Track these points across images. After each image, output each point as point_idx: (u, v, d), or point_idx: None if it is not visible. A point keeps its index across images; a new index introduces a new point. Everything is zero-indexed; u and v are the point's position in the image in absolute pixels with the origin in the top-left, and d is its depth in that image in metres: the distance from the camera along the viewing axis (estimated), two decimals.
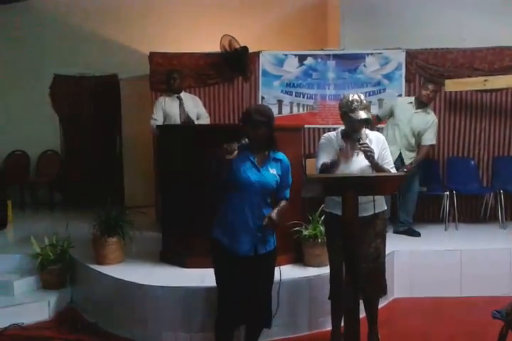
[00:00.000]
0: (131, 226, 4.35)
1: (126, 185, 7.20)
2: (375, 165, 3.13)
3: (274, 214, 2.91)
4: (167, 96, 5.41)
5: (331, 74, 5.97)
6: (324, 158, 3.24)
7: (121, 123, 7.32)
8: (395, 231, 5.22)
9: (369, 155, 3.08)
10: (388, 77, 5.78)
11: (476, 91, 5.77)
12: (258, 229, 2.91)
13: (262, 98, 5.96)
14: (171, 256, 4.25)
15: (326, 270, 3.79)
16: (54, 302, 4.26)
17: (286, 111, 5.98)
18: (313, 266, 4.07)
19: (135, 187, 7.08)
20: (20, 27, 7.35)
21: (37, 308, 4.17)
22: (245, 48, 5.84)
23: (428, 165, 5.68)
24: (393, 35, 6.18)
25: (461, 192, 5.55)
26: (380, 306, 3.50)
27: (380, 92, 5.84)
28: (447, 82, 5.67)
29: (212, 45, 5.88)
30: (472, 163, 5.85)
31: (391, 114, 5.20)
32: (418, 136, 5.14)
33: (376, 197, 3.19)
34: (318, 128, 5.93)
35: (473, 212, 5.88)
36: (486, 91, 5.76)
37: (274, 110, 5.92)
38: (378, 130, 4.46)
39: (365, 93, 5.68)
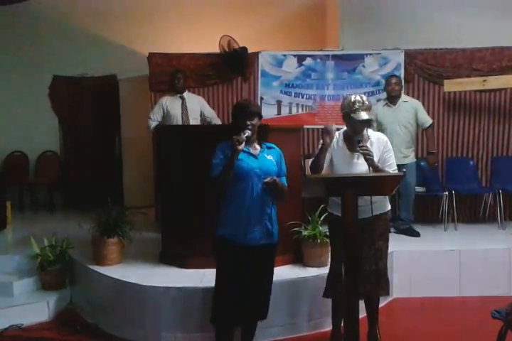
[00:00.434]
0: (130, 226, 4.36)
1: (126, 186, 7.20)
2: (374, 168, 3.11)
3: (278, 179, 2.99)
4: (170, 96, 5.43)
5: (330, 75, 5.97)
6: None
7: (121, 123, 7.33)
8: (397, 230, 5.23)
9: (367, 158, 3.08)
10: (387, 77, 5.76)
11: (475, 91, 5.78)
12: (267, 216, 3.02)
13: (261, 98, 5.97)
14: (171, 256, 4.25)
15: (325, 270, 3.79)
16: (53, 303, 4.26)
17: (285, 111, 5.99)
18: (313, 267, 4.07)
19: (134, 187, 7.08)
20: (20, 28, 7.35)
21: (36, 309, 4.17)
22: (244, 49, 5.85)
23: (427, 166, 5.69)
24: (392, 35, 6.17)
25: (460, 192, 5.56)
26: (379, 306, 3.50)
27: (379, 93, 5.83)
28: (446, 82, 5.68)
29: (211, 46, 5.88)
30: (471, 163, 5.86)
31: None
32: (410, 127, 5.19)
33: (377, 198, 3.20)
34: (318, 129, 5.92)
35: (472, 212, 5.88)
36: (484, 91, 5.77)
37: (274, 110, 5.96)
38: None
39: (364, 93, 5.67)
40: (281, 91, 5.99)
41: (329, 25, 7.21)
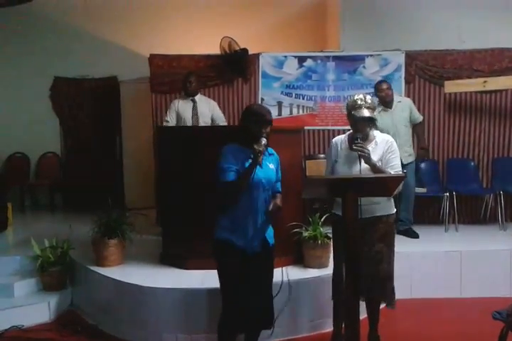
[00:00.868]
0: (131, 228, 4.36)
1: (127, 187, 7.20)
2: (372, 166, 3.10)
3: (278, 200, 3.01)
4: (181, 99, 5.42)
5: (330, 76, 5.97)
6: (326, 171, 3.39)
7: (121, 125, 7.33)
8: (396, 231, 5.21)
9: (361, 155, 3.06)
10: (388, 78, 5.76)
11: (476, 92, 5.79)
12: (266, 224, 3.02)
13: (262, 99, 5.97)
14: (171, 257, 4.25)
15: (326, 271, 3.82)
16: (54, 304, 4.26)
17: (285, 112, 5.99)
18: (314, 268, 4.07)
19: (135, 189, 7.08)
20: (21, 30, 7.36)
21: (37, 310, 4.17)
22: (245, 50, 5.85)
23: (428, 167, 5.70)
24: (393, 36, 6.18)
25: (461, 193, 5.56)
26: (380, 307, 3.49)
27: None
28: (447, 83, 5.68)
29: (212, 47, 5.89)
30: (472, 164, 5.85)
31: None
32: (408, 125, 5.24)
33: (380, 200, 3.19)
34: (318, 130, 5.94)
35: (473, 213, 5.87)
36: (485, 92, 5.77)
37: (274, 112, 5.94)
38: None
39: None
40: (281, 93, 5.99)
41: (330, 27, 7.21)
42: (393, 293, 3.37)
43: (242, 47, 5.87)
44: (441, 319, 4.12)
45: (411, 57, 5.87)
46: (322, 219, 4.09)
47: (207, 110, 5.35)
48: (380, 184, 3.00)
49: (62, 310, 4.33)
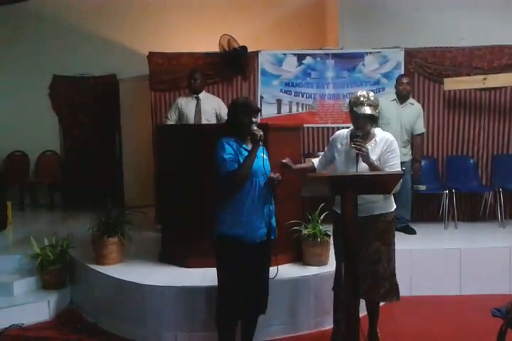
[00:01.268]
0: (130, 226, 4.36)
1: (126, 185, 7.20)
2: (369, 164, 3.08)
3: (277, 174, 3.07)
4: (185, 96, 5.41)
5: (330, 74, 5.97)
6: (319, 160, 3.42)
7: (121, 123, 7.33)
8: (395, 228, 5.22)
9: (359, 153, 3.05)
10: (387, 76, 5.77)
11: (475, 89, 5.78)
12: (270, 213, 3.08)
13: (261, 97, 5.96)
14: (171, 255, 4.25)
15: (325, 269, 3.82)
16: (54, 303, 4.26)
17: (285, 110, 5.98)
18: (313, 265, 4.07)
19: (135, 187, 7.08)
20: (20, 28, 7.35)
21: (37, 309, 4.17)
22: (244, 48, 5.84)
23: (427, 164, 5.69)
24: (392, 34, 6.17)
25: (461, 190, 5.56)
26: (380, 304, 3.49)
27: (379, 91, 5.82)
28: (446, 80, 5.67)
29: (211, 45, 5.88)
30: (471, 161, 5.85)
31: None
32: (410, 129, 5.23)
33: (377, 198, 3.18)
34: (318, 128, 5.94)
35: (472, 210, 5.87)
36: (485, 89, 5.76)
37: (273, 109, 5.95)
38: None
39: None
40: (281, 90, 5.98)
41: (329, 24, 7.20)
42: (397, 289, 3.33)
43: (241, 44, 5.85)
44: (440, 316, 4.12)
45: (410, 54, 5.86)
46: (321, 217, 4.09)
47: (210, 108, 5.31)
48: (379, 182, 2.99)
49: (62, 309, 4.33)
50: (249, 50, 5.87)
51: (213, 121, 5.27)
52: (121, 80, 7.25)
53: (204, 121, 5.26)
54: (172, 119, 5.30)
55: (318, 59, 5.96)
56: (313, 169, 3.44)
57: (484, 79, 5.58)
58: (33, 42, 7.40)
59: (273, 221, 3.14)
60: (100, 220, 4.28)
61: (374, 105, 3.17)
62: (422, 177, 5.50)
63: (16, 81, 7.42)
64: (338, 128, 3.37)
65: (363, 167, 3.13)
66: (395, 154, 3.22)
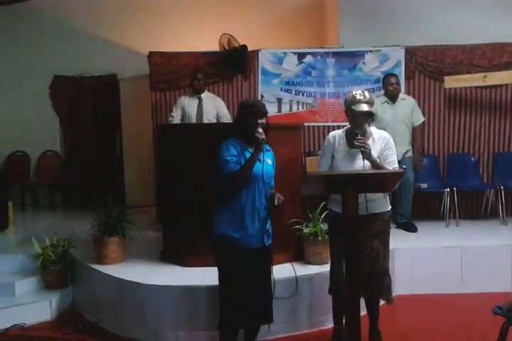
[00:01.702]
0: (131, 225, 4.36)
1: (127, 185, 7.21)
2: (372, 162, 3.10)
3: (279, 194, 3.04)
4: (188, 96, 5.42)
5: (330, 72, 5.96)
6: (322, 164, 3.36)
7: (121, 123, 7.33)
8: (395, 225, 5.23)
9: (363, 150, 3.05)
10: (385, 76, 5.74)
11: (476, 87, 5.77)
12: (268, 220, 3.06)
13: (262, 96, 5.95)
14: (172, 255, 4.25)
15: (326, 268, 3.80)
16: (56, 303, 4.27)
17: (285, 109, 5.98)
18: (314, 264, 4.07)
19: (135, 186, 7.09)
20: (20, 27, 7.37)
21: (39, 309, 4.17)
22: (244, 47, 5.84)
23: (428, 162, 5.68)
24: (392, 32, 6.15)
25: (462, 188, 5.55)
26: (381, 303, 3.49)
27: (379, 90, 5.80)
28: (447, 78, 5.66)
29: (211, 44, 5.88)
30: (472, 159, 5.85)
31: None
32: (409, 123, 5.24)
33: (375, 197, 3.18)
34: (318, 126, 5.93)
35: (473, 208, 5.87)
36: (485, 87, 5.76)
37: (274, 108, 5.94)
38: None
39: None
40: (281, 89, 5.98)
41: (329, 23, 7.19)
42: (390, 290, 3.37)
43: (241, 43, 5.85)
44: (441, 314, 4.11)
45: (411, 52, 5.85)
46: (322, 216, 4.09)
47: (212, 108, 5.34)
48: (380, 180, 3.00)
49: (64, 309, 4.33)
50: (249, 49, 5.87)
51: (214, 121, 5.28)
52: (122, 80, 7.26)
53: (205, 121, 5.27)
54: (177, 118, 5.32)
55: (319, 57, 5.96)
56: None
57: (485, 77, 5.57)
58: (34, 43, 7.41)
59: (270, 227, 3.09)
60: (101, 220, 4.29)
61: (370, 103, 3.20)
62: (423, 175, 5.50)
63: (16, 81, 7.43)
64: (339, 127, 3.37)
65: (365, 165, 3.13)
66: (393, 151, 3.27)
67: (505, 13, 6.13)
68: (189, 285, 3.70)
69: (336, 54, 5.95)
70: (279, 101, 5.98)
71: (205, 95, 5.42)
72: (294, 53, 5.98)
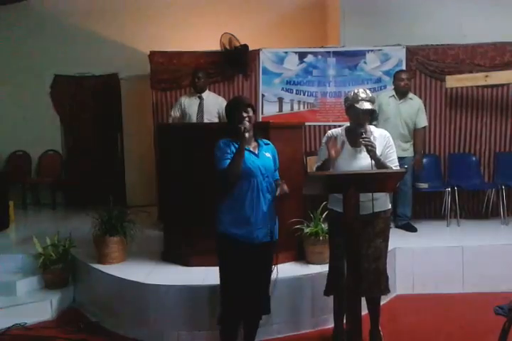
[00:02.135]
0: (132, 225, 4.36)
1: (128, 185, 7.21)
2: (376, 160, 3.08)
3: (285, 186, 3.05)
4: (188, 95, 5.42)
5: (331, 72, 5.96)
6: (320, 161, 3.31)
7: (122, 122, 7.32)
8: (395, 225, 5.22)
9: (370, 149, 3.04)
10: (389, 73, 5.75)
11: (477, 87, 5.77)
12: (270, 214, 3.04)
13: (263, 96, 5.96)
14: (173, 254, 4.25)
15: (327, 267, 3.79)
16: (57, 302, 4.26)
17: (286, 108, 5.97)
18: (315, 264, 4.06)
19: (137, 186, 7.09)
20: (21, 27, 7.35)
21: (40, 308, 4.17)
22: (245, 46, 5.84)
23: (429, 161, 5.68)
24: (393, 31, 6.15)
25: (463, 188, 5.54)
26: (382, 303, 3.50)
27: (380, 89, 5.82)
28: (448, 78, 5.66)
29: (212, 44, 5.88)
30: (473, 158, 5.84)
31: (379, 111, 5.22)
32: (411, 123, 5.22)
33: (378, 195, 3.17)
34: (319, 126, 5.93)
35: (474, 208, 5.87)
36: (487, 86, 5.75)
37: (275, 108, 5.95)
38: None
39: None
40: (282, 89, 5.98)
41: (330, 22, 7.19)
42: (387, 282, 3.36)
43: (242, 43, 5.85)
44: (442, 314, 4.11)
45: (412, 52, 5.85)
46: (323, 216, 4.08)
47: (213, 107, 5.31)
48: (382, 179, 2.99)
49: (65, 308, 4.33)
50: (250, 48, 5.88)
51: (215, 120, 5.27)
52: (123, 79, 7.26)
53: (206, 121, 5.27)
54: (176, 118, 5.31)
55: (320, 57, 5.96)
56: None
57: (486, 76, 5.56)
58: (34, 42, 7.39)
59: (273, 222, 3.10)
60: (102, 219, 4.28)
61: (372, 101, 3.20)
62: (424, 175, 5.50)
63: (17, 81, 7.42)
64: (340, 126, 3.36)
65: (364, 162, 3.13)
66: (393, 149, 3.29)
67: (507, 12, 6.11)
68: (190, 285, 3.70)
69: (337, 53, 5.94)
70: (280, 100, 5.98)
71: (207, 94, 5.41)
72: (295, 53, 5.98)
